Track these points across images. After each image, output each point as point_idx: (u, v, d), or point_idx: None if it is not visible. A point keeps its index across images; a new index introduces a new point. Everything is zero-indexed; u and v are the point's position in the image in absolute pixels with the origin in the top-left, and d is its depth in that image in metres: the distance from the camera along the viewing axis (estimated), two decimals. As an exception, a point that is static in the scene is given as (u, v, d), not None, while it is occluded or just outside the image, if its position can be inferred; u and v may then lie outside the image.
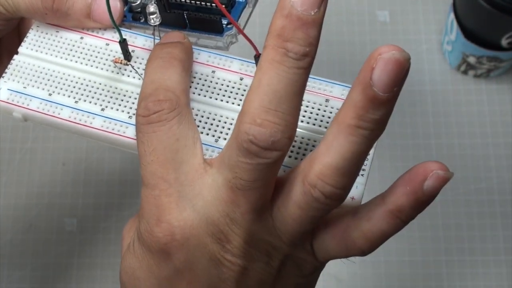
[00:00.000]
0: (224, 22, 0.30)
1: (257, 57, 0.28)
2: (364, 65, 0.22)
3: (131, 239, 0.27)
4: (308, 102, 0.29)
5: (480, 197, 0.51)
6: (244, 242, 0.25)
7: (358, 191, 0.27)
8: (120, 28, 0.30)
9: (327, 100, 0.29)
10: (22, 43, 0.32)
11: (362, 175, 0.27)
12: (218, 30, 0.30)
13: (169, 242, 0.25)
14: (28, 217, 0.52)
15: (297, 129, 0.27)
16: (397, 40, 0.56)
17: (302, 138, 0.28)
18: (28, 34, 0.32)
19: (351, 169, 0.23)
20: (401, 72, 0.22)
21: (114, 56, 0.31)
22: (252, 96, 0.23)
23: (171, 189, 0.25)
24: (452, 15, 0.51)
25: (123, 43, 0.29)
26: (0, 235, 0.52)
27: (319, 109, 0.29)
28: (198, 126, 0.28)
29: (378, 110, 0.22)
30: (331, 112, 0.29)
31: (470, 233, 0.50)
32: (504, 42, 0.49)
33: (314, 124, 0.28)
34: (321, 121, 0.28)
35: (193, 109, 0.29)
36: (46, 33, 0.32)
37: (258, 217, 0.25)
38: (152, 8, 0.29)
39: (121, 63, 0.30)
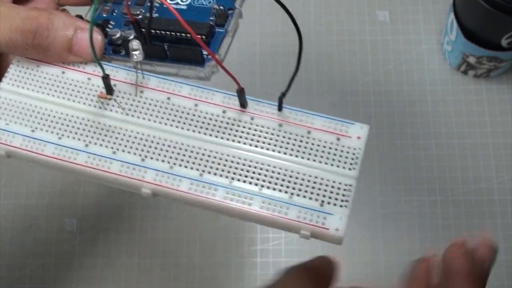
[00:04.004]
0: (205, 52, 0.30)
1: (239, 92, 0.28)
2: None
3: None
4: (291, 134, 0.29)
5: (480, 197, 0.51)
6: None
7: (342, 222, 0.27)
8: (101, 62, 0.30)
9: (309, 132, 0.29)
10: (3, 79, 0.31)
11: (346, 206, 0.27)
12: (199, 61, 0.30)
13: None
14: (28, 217, 0.52)
15: (281, 161, 0.28)
16: (397, 40, 0.56)
17: (286, 170, 0.28)
18: (8, 69, 0.31)
19: None
20: None
21: (96, 91, 0.30)
22: None
23: None
24: (452, 15, 0.51)
25: (105, 78, 0.29)
26: (0, 235, 0.52)
27: (301, 141, 0.29)
28: (182, 161, 0.29)
29: None
30: (313, 144, 0.29)
31: (470, 233, 0.50)
32: (504, 42, 0.49)
33: (297, 156, 0.28)
34: (304, 152, 0.29)
35: (176, 143, 0.29)
36: (27, 68, 0.31)
37: None
38: (135, 44, 0.29)
39: (106, 98, 0.30)
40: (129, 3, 0.33)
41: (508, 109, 0.54)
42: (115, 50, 0.32)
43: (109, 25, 0.33)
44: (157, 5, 0.32)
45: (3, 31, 0.29)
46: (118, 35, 0.32)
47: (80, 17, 0.32)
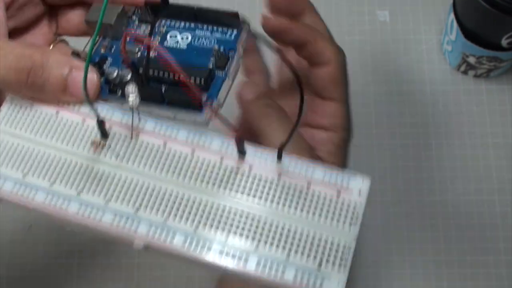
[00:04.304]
0: (204, 97, 0.28)
1: (237, 141, 0.27)
2: None
3: None
4: (289, 186, 0.27)
5: (480, 197, 0.51)
6: None
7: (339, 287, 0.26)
8: (97, 102, 0.29)
9: (308, 185, 0.27)
10: None
11: (344, 269, 0.26)
12: (197, 106, 0.29)
13: None
14: (28, 217, 0.52)
15: (279, 216, 0.27)
16: (397, 40, 0.56)
17: (284, 225, 0.27)
18: (2, 108, 0.30)
19: None
20: None
21: (91, 133, 0.29)
22: None
23: None
24: (452, 15, 0.51)
25: (100, 123, 0.28)
26: (0, 235, 0.52)
27: (300, 194, 0.27)
28: (177, 212, 0.27)
29: None
30: (312, 198, 0.27)
31: (470, 233, 0.50)
32: (504, 42, 0.49)
33: (295, 210, 0.27)
34: (303, 207, 0.27)
35: (171, 193, 0.27)
36: (21, 107, 0.30)
37: None
38: (130, 89, 0.27)
39: (99, 145, 0.28)
40: (128, 39, 0.31)
41: (508, 109, 0.54)
42: (112, 89, 0.30)
43: (107, 62, 0.31)
44: (157, 43, 0.31)
45: None
46: (115, 74, 0.30)
47: (76, 54, 0.31)
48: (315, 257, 0.26)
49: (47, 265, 0.51)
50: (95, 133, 0.29)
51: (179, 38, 0.31)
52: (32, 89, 0.29)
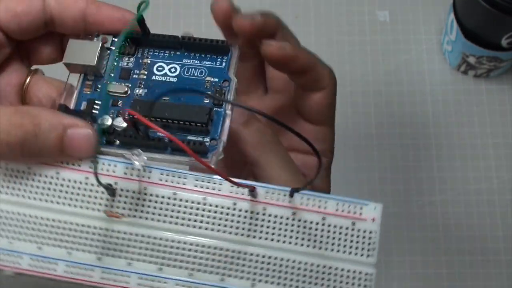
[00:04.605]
0: (207, 139, 0.27)
1: (252, 190, 0.26)
2: None
3: None
4: (305, 222, 0.27)
5: (480, 197, 0.51)
6: None
7: None
8: (96, 158, 0.27)
9: (324, 218, 0.27)
10: None
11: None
12: (202, 151, 0.27)
13: None
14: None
15: (301, 256, 0.27)
16: (397, 40, 0.56)
17: (305, 264, 0.27)
18: None
19: None
20: None
21: (97, 191, 0.27)
22: None
23: None
24: (452, 15, 0.51)
25: (109, 188, 0.26)
26: None
27: (316, 229, 0.27)
28: (200, 265, 0.27)
29: None
30: (329, 231, 0.27)
31: (470, 233, 0.50)
32: (504, 42, 0.49)
33: (314, 247, 0.27)
34: (321, 242, 0.27)
35: (191, 245, 0.27)
36: (18, 171, 0.28)
37: None
38: (136, 155, 0.26)
39: (115, 216, 0.27)
40: (112, 74, 0.29)
41: (508, 109, 0.54)
42: (109, 140, 0.28)
43: (95, 106, 0.29)
44: (144, 77, 0.29)
45: None
46: (108, 123, 0.28)
47: (64, 108, 0.28)
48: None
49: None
50: (102, 191, 0.27)
51: (167, 70, 0.29)
52: (28, 157, 0.27)
